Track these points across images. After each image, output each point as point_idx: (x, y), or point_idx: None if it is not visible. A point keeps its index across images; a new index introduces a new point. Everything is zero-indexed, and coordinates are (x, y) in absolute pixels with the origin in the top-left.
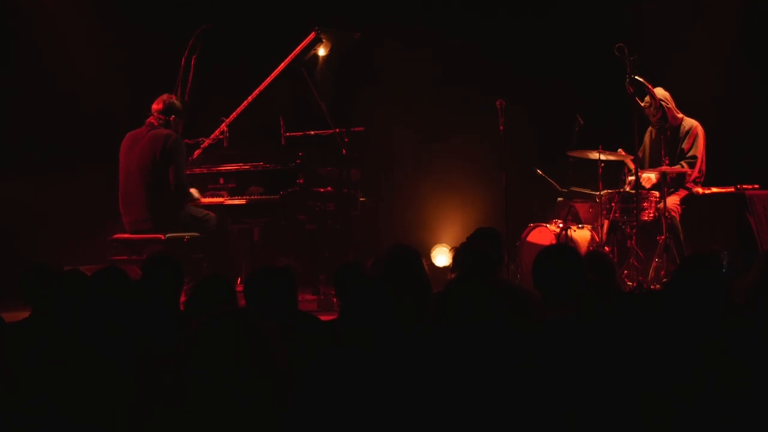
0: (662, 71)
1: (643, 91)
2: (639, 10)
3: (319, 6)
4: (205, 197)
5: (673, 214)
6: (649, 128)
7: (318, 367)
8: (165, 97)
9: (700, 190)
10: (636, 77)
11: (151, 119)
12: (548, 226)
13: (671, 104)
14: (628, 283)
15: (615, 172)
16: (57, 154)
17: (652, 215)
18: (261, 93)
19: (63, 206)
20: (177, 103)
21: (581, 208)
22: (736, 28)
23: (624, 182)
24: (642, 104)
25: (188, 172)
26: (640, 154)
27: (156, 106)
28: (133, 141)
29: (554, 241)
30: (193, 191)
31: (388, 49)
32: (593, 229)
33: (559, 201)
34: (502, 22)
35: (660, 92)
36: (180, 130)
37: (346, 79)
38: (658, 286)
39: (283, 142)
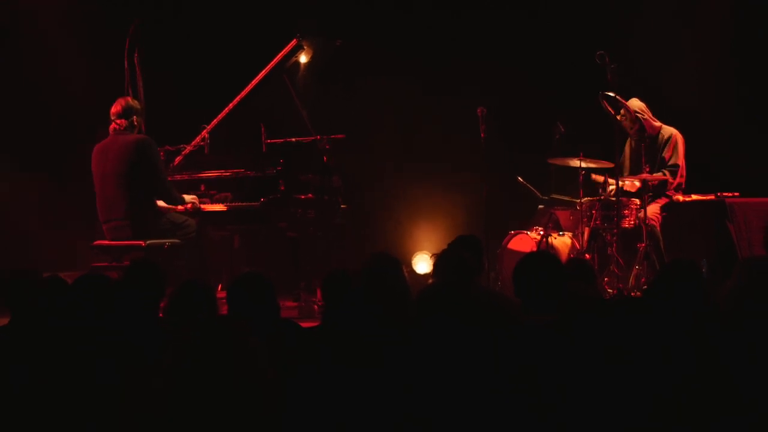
0: (643, 80)
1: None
2: (624, 18)
3: (298, 13)
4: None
5: (653, 223)
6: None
7: (306, 374)
8: (121, 99)
9: (680, 197)
10: (608, 93)
11: (113, 125)
12: (529, 233)
13: (647, 114)
14: (609, 290)
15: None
16: (39, 156)
17: (632, 223)
18: (242, 100)
19: (45, 210)
20: (134, 102)
21: (562, 215)
22: (723, 38)
23: (605, 189)
24: (618, 118)
25: (169, 179)
26: (621, 162)
27: (114, 109)
28: (104, 151)
29: (535, 249)
30: (187, 197)
31: (369, 56)
32: (574, 237)
33: (540, 208)
34: (484, 28)
35: (635, 103)
36: (143, 128)
37: (326, 86)
38: (638, 293)
39: (264, 149)
